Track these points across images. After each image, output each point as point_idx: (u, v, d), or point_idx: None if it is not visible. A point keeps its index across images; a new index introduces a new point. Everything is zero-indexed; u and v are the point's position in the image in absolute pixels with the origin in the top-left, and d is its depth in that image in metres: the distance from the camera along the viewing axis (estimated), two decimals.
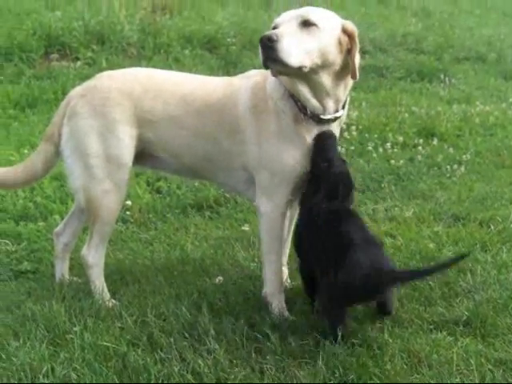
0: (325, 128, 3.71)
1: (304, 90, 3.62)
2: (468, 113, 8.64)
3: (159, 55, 10.32)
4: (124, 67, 4.64)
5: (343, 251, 3.37)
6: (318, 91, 3.62)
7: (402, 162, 6.78)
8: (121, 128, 3.90)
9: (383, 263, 3.37)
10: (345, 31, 3.57)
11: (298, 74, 3.50)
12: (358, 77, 3.61)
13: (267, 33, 3.39)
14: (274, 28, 3.50)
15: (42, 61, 9.76)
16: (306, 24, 3.47)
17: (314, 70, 3.50)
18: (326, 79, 3.58)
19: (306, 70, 3.45)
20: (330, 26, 3.53)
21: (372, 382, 3.10)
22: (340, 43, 3.54)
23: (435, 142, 7.51)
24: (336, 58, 3.54)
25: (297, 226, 3.86)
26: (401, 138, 7.48)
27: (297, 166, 3.72)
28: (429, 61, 11.53)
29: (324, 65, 3.51)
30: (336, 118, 3.74)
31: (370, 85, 10.18)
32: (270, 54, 3.36)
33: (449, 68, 11.34)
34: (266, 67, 3.46)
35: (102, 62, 9.76)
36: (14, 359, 3.28)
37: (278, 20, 3.57)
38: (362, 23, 11.45)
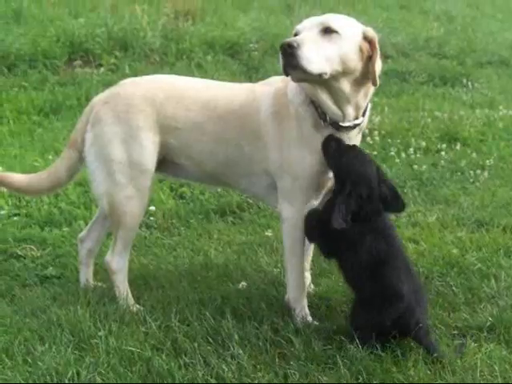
0: (344, 135, 3.70)
1: (324, 97, 3.61)
2: (491, 117, 8.57)
3: (182, 61, 10.35)
4: (147, 73, 4.67)
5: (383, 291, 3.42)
6: (338, 98, 3.61)
7: (424, 167, 6.75)
8: (144, 134, 3.93)
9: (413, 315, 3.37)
10: (366, 38, 3.56)
11: (319, 80, 3.50)
12: (378, 84, 3.61)
13: (288, 40, 3.40)
14: (296, 35, 3.51)
15: (65, 67, 9.82)
16: (327, 31, 3.47)
17: (335, 77, 3.51)
18: (346, 86, 3.58)
19: (326, 76, 3.45)
20: (351, 33, 3.53)
21: None
22: (361, 50, 3.53)
23: (458, 146, 7.46)
24: (357, 64, 3.54)
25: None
26: (423, 143, 7.45)
27: (318, 171, 3.72)
28: (451, 65, 11.48)
29: (345, 72, 3.52)
30: (355, 126, 3.74)
31: (392, 90, 10.14)
32: (290, 61, 3.37)
33: (471, 72, 11.27)
34: (287, 74, 3.47)
35: (125, 68, 9.82)
36: (39, 363, 3.31)
37: (299, 27, 3.58)
38: (385, 28, 11.49)
